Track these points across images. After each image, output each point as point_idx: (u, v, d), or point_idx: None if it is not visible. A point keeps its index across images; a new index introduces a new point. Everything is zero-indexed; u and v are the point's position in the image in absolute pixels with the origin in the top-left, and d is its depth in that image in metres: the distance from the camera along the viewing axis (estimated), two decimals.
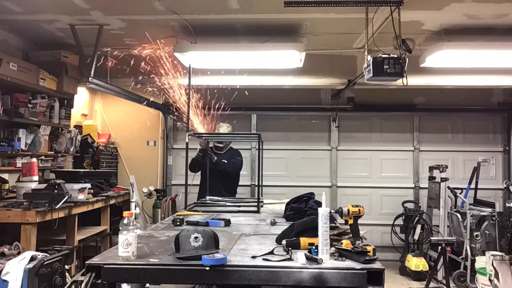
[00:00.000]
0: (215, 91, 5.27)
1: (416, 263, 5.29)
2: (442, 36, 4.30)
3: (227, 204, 4.14)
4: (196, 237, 1.96)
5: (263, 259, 1.95)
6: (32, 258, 2.99)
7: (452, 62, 4.38)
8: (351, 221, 2.49)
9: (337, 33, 4.47)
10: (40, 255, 3.09)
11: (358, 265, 1.83)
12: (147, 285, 2.18)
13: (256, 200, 4.00)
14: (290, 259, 1.93)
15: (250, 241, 2.39)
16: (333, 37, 4.58)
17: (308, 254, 1.93)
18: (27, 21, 4.25)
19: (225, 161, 5.02)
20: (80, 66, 5.04)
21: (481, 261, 4.45)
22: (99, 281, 1.83)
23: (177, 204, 6.19)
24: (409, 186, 6.45)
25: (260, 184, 4.04)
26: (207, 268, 1.80)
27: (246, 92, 6.04)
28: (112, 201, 5.23)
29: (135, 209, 5.50)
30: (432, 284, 4.66)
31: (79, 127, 5.82)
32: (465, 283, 5.03)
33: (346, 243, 2.04)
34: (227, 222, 2.97)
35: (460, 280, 5.08)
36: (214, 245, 2.00)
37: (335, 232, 2.41)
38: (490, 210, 5.34)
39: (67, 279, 3.25)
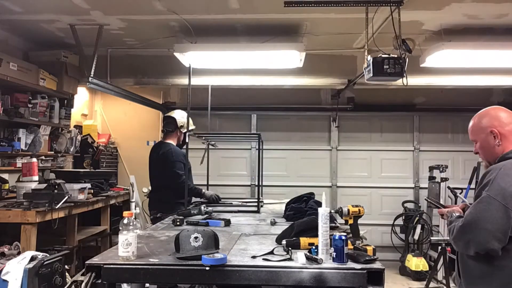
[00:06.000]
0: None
1: (416, 263, 5.30)
2: (442, 36, 4.30)
3: (227, 204, 4.14)
4: (196, 237, 1.96)
5: (263, 259, 1.95)
6: (32, 258, 2.99)
7: (452, 62, 4.38)
8: (351, 221, 2.50)
9: (337, 33, 4.47)
10: (40, 255, 3.09)
11: (358, 265, 1.83)
12: (147, 284, 2.18)
13: (256, 200, 4.00)
14: (290, 259, 1.93)
15: (250, 241, 2.39)
16: (333, 37, 4.58)
17: (308, 254, 1.93)
18: (27, 21, 4.25)
19: None
20: (80, 66, 5.04)
21: None
22: (99, 281, 1.84)
23: None
24: (409, 186, 6.45)
25: (260, 184, 4.04)
26: (207, 268, 1.80)
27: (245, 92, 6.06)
28: (112, 201, 5.23)
29: (135, 209, 5.50)
30: (432, 284, 4.67)
31: (79, 127, 5.82)
32: None
33: None
34: (227, 222, 2.97)
35: None
36: (214, 245, 2.00)
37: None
38: None
39: (67, 279, 3.25)
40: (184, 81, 5.04)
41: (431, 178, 5.81)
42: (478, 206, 1.78)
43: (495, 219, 1.71)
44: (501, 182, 1.76)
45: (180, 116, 4.37)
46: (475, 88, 5.77)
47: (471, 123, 2.06)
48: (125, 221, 1.90)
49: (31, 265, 2.89)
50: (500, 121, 1.95)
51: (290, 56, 4.19)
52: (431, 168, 5.85)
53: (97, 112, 6.56)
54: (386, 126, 6.53)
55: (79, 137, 5.51)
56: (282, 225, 2.88)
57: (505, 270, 1.75)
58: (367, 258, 1.88)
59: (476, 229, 1.73)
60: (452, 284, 4.84)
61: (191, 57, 4.26)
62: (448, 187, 5.47)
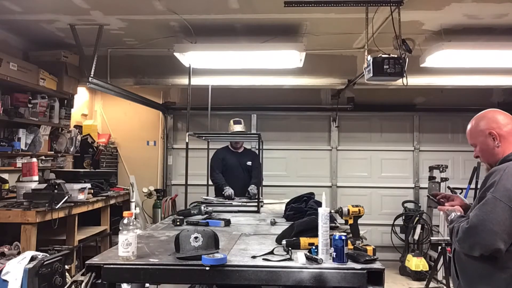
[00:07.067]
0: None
1: (416, 263, 5.30)
2: (442, 36, 4.30)
3: (227, 204, 4.14)
4: (196, 237, 1.96)
5: (263, 259, 1.95)
6: (32, 258, 2.99)
7: (452, 62, 4.38)
8: (351, 221, 2.50)
9: (337, 33, 4.47)
10: (40, 255, 3.09)
11: (358, 265, 1.83)
12: (147, 284, 2.18)
13: (256, 200, 4.00)
14: (290, 259, 1.93)
15: (250, 241, 2.40)
16: (333, 37, 4.58)
17: (308, 254, 1.93)
18: (27, 21, 4.25)
19: (249, 163, 4.95)
20: (80, 66, 5.04)
21: None
22: (99, 281, 1.84)
23: (177, 204, 6.19)
24: (409, 186, 6.45)
25: (260, 184, 4.04)
26: (207, 268, 1.80)
27: (246, 92, 6.06)
28: (112, 201, 5.23)
29: (135, 209, 5.50)
30: (432, 284, 4.67)
31: (79, 127, 5.82)
32: None
33: None
34: (227, 222, 2.97)
35: None
36: (214, 245, 2.00)
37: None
38: None
39: (67, 279, 3.25)
40: (184, 81, 5.04)
41: (431, 178, 5.81)
42: (484, 207, 1.75)
43: (501, 221, 1.70)
44: (506, 183, 1.75)
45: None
46: (475, 88, 5.77)
47: (468, 127, 2.04)
48: (125, 221, 1.90)
49: (31, 265, 2.89)
50: (498, 122, 1.94)
51: (290, 56, 4.19)
52: (431, 168, 5.85)
53: (97, 112, 6.56)
54: (386, 126, 6.53)
55: (79, 137, 5.51)
56: (282, 225, 2.89)
57: (506, 271, 1.74)
58: (367, 258, 1.88)
59: (483, 231, 1.72)
60: (452, 284, 4.85)
61: (191, 57, 4.26)
62: (448, 187, 5.46)
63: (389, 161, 6.48)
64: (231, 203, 4.14)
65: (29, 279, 2.85)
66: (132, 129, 6.50)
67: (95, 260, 1.90)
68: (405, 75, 3.26)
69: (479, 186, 5.91)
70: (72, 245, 4.14)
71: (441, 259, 4.61)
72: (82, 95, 5.98)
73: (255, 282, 1.84)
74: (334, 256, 1.85)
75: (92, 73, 4.29)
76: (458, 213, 1.98)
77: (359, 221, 2.50)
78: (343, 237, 1.86)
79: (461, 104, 6.27)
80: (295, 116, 6.57)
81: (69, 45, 4.83)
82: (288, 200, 3.64)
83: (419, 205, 6.16)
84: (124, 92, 5.12)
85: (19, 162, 4.41)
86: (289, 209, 3.28)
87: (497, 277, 1.76)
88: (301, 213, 3.00)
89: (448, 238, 2.11)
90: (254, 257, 1.97)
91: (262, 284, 1.86)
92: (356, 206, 2.51)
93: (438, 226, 5.51)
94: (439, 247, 4.59)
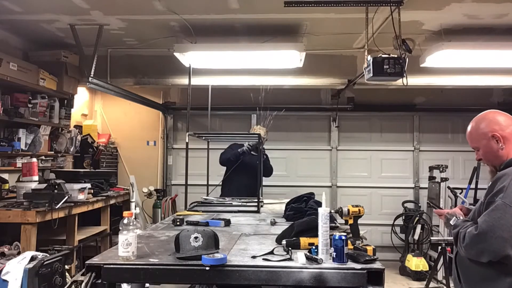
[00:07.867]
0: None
1: (416, 263, 5.29)
2: (442, 36, 4.30)
3: (227, 204, 4.14)
4: (196, 237, 1.96)
5: (263, 259, 1.95)
6: (32, 258, 2.99)
7: (452, 62, 4.38)
8: (351, 221, 2.50)
9: (337, 33, 4.47)
10: (40, 255, 3.09)
11: (358, 265, 1.83)
12: (147, 285, 2.18)
13: (256, 200, 4.00)
14: (290, 259, 1.93)
15: (250, 241, 2.39)
16: (333, 37, 4.58)
17: (308, 254, 1.93)
18: (27, 21, 4.25)
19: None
20: (80, 66, 5.04)
21: None
22: (99, 281, 1.84)
23: (177, 204, 6.19)
24: (409, 186, 6.45)
25: (260, 184, 4.04)
26: (207, 268, 1.80)
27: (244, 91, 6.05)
28: (112, 201, 5.23)
29: (135, 209, 5.50)
30: (432, 284, 4.66)
31: (79, 127, 5.82)
32: None
33: None
34: (227, 222, 2.97)
35: None
36: (214, 245, 2.00)
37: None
38: None
39: (67, 279, 3.25)
40: (184, 81, 5.04)
41: (431, 178, 5.81)
42: (493, 213, 1.70)
43: (511, 227, 1.66)
44: None
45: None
46: (475, 88, 5.77)
47: (468, 130, 1.98)
48: (125, 221, 1.90)
49: (31, 265, 2.90)
50: (499, 124, 1.89)
51: (290, 56, 4.19)
52: (431, 168, 5.85)
53: (97, 112, 6.57)
54: (386, 126, 6.53)
55: (79, 137, 5.51)
56: (282, 225, 2.88)
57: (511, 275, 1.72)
58: (367, 258, 1.88)
59: (492, 238, 1.67)
60: (452, 284, 4.84)
61: (191, 57, 4.26)
62: (448, 187, 5.46)
63: (389, 161, 6.48)
64: (231, 203, 4.14)
65: (29, 279, 2.86)
66: (132, 129, 6.51)
67: (95, 260, 1.90)
68: (405, 75, 3.27)
69: (479, 186, 5.93)
70: (72, 245, 4.14)
71: (441, 259, 4.61)
72: (82, 95, 5.98)
73: (255, 282, 1.84)
74: (334, 256, 1.85)
75: (92, 73, 4.29)
76: (461, 217, 1.93)
77: (359, 221, 2.50)
78: (343, 237, 1.86)
79: (461, 104, 6.27)
80: (295, 116, 6.56)
81: (69, 45, 4.83)
82: (288, 200, 3.63)
83: (419, 205, 6.16)
84: (124, 92, 5.12)
85: (19, 162, 4.41)
86: (289, 209, 3.28)
87: (502, 281, 1.72)
88: (301, 213, 3.00)
89: (448, 238, 2.09)
90: (254, 257, 1.97)
91: (262, 284, 1.86)
92: (356, 206, 2.51)
93: (438, 226, 5.50)
94: (439, 247, 4.58)
